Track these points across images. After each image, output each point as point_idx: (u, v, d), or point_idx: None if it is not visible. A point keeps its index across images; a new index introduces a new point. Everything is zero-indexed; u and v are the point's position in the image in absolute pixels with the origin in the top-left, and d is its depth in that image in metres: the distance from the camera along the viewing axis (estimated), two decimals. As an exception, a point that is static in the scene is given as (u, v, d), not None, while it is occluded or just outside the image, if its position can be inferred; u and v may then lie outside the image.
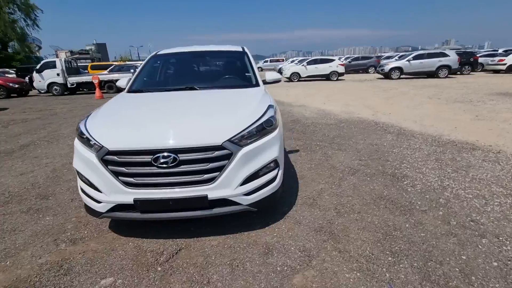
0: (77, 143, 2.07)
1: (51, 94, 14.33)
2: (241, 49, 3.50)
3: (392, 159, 3.71)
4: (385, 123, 5.77)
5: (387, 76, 16.36)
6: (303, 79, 17.76)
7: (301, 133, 5.23)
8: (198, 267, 1.85)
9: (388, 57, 22.68)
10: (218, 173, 1.90)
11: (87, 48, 63.17)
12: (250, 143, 1.98)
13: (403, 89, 11.57)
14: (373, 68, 22.52)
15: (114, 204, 1.92)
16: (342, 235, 2.15)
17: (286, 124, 5.94)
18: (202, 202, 1.90)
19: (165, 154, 1.82)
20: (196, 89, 2.79)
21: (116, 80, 14.22)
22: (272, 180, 2.14)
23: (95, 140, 1.90)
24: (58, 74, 13.59)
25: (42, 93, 14.43)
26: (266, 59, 35.01)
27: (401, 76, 16.42)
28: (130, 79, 3.15)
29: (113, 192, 1.90)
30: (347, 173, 3.26)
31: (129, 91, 2.93)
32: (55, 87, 13.95)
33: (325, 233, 2.17)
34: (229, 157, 1.90)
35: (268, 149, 2.07)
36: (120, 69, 15.77)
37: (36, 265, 1.93)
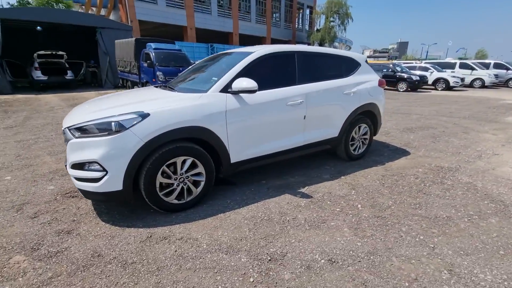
0: None
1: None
2: (252, 51, 2.97)
3: None
4: None
5: None
6: None
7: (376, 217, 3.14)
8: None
9: None
10: (70, 150, 2.41)
11: (390, 46, 66.18)
12: (83, 137, 2.23)
13: None
14: None
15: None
16: None
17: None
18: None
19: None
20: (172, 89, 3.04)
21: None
22: (96, 180, 2.22)
23: None
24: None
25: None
26: None
27: None
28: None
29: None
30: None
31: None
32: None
33: None
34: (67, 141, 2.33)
35: (91, 148, 2.19)
36: (368, 68, 15.84)
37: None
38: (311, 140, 3.34)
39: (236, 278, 1.78)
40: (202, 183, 2.63)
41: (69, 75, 13.45)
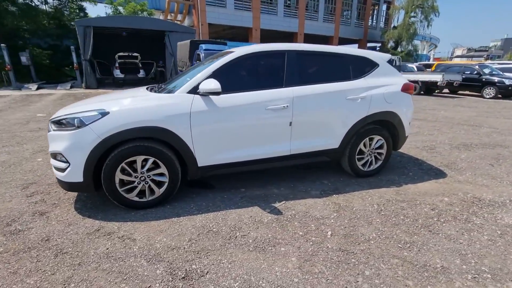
0: None
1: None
2: (232, 50, 2.78)
3: None
4: None
5: None
6: None
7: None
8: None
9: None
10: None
11: (491, 44, 55.94)
12: (56, 130, 2.45)
13: None
14: None
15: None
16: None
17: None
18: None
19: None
20: None
21: (425, 81, 12.70)
22: (62, 170, 2.42)
23: None
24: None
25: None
26: None
27: None
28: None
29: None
30: None
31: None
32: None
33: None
34: None
35: (59, 141, 2.38)
36: (445, 69, 13.42)
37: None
38: (301, 150, 2.98)
39: (137, 290, 1.68)
40: (166, 184, 2.60)
41: (141, 73, 15.35)
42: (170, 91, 2.68)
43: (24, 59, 14.77)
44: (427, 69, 17.74)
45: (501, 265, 1.94)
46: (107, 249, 2.05)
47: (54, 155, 2.47)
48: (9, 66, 12.68)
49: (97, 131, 2.30)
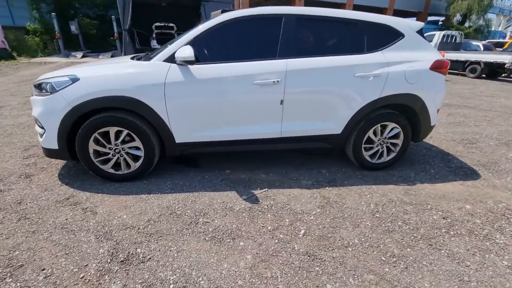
0: None
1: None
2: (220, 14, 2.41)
3: None
4: None
5: None
6: None
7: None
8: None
9: None
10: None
11: None
12: (37, 95, 2.41)
13: None
14: None
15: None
16: None
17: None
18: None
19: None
20: None
21: (489, 62, 10.67)
22: (41, 135, 2.42)
23: None
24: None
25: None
26: None
27: None
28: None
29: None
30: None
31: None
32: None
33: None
34: None
35: (35, 106, 2.36)
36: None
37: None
38: (294, 133, 2.61)
39: (72, 268, 1.60)
40: (141, 159, 2.48)
41: (177, 44, 15.44)
42: (150, 59, 2.46)
43: (73, 28, 15.76)
44: (497, 48, 15.04)
45: (514, 304, 1.48)
46: (66, 219, 2.02)
47: (35, 120, 2.47)
48: (58, 35, 13.65)
49: (67, 98, 2.21)
